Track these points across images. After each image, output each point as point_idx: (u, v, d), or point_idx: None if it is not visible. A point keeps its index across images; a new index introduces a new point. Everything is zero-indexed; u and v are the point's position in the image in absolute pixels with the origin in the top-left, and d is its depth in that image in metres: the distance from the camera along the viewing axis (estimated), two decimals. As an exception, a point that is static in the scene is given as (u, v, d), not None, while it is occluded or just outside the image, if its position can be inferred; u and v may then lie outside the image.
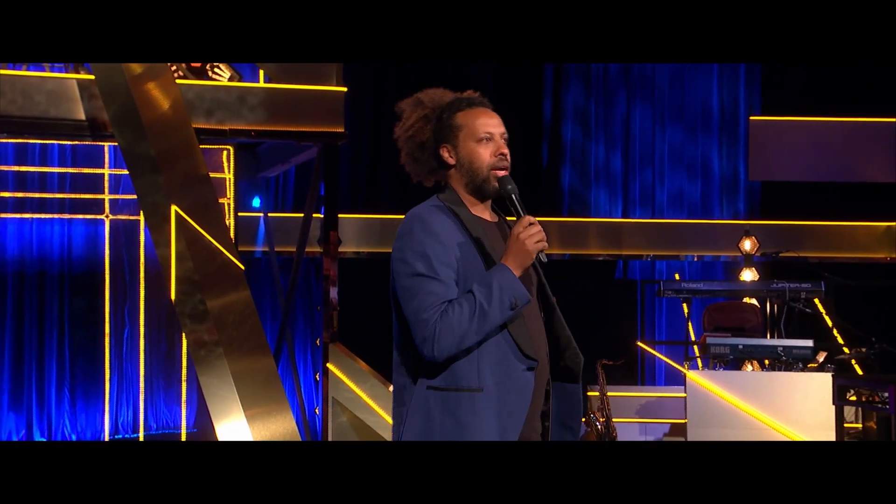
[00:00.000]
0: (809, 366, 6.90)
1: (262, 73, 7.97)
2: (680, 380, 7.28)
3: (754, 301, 8.37)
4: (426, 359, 2.56)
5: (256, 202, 9.14)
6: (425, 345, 2.54)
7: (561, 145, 11.16)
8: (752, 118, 10.81)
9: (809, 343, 6.79)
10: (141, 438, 8.53)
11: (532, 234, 2.56)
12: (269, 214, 9.20)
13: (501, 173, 2.66)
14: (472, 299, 2.52)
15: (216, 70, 7.81)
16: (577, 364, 2.73)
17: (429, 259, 2.56)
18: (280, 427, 6.21)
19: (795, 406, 6.54)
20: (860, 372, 7.72)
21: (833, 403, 6.15)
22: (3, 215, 8.52)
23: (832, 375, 6.40)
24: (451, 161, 2.70)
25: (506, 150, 2.68)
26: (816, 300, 7.86)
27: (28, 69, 7.47)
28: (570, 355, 2.73)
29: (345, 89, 7.64)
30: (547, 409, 2.71)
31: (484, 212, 2.72)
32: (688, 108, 11.24)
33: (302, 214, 8.29)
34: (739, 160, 11.22)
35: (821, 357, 7.31)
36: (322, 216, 7.81)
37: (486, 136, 2.67)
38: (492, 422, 2.56)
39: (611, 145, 11.24)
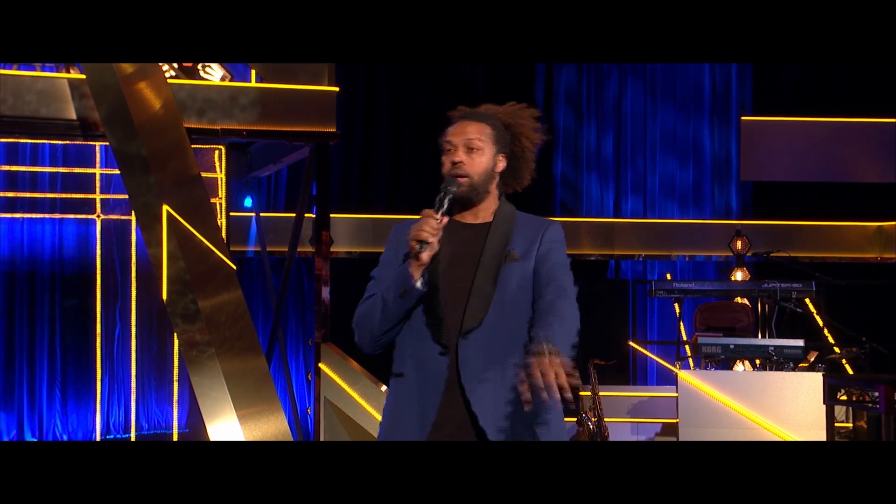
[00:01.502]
0: (800, 365, 6.92)
1: (253, 72, 7.96)
2: (671, 379, 7.29)
3: (745, 301, 8.39)
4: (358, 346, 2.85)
5: (248, 202, 9.13)
6: (354, 335, 2.83)
7: (553, 132, 11.16)
8: (743, 118, 10.84)
9: (800, 343, 6.81)
10: (133, 439, 8.51)
11: (416, 224, 2.69)
12: (261, 214, 9.19)
13: (457, 181, 2.78)
14: (379, 292, 2.78)
15: (208, 70, 7.80)
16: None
17: (379, 265, 2.87)
18: (272, 427, 6.21)
19: (786, 406, 6.56)
20: (851, 371, 7.74)
21: (824, 403, 6.17)
22: (-6, 215, 8.50)
23: (823, 375, 6.42)
24: None
25: (458, 158, 2.79)
26: (807, 300, 7.88)
27: (19, 68, 7.45)
28: None
29: (336, 89, 7.64)
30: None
31: (472, 216, 2.84)
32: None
33: (294, 214, 8.29)
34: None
35: (812, 357, 7.34)
36: (314, 216, 7.81)
37: (448, 147, 2.83)
38: (411, 404, 2.73)
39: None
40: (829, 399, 6.14)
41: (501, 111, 2.90)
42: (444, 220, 2.71)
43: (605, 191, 11.26)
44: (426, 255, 2.68)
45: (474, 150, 2.80)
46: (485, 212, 2.85)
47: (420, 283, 2.69)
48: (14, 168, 8.47)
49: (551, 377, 2.43)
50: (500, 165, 2.86)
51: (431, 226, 2.67)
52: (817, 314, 8.19)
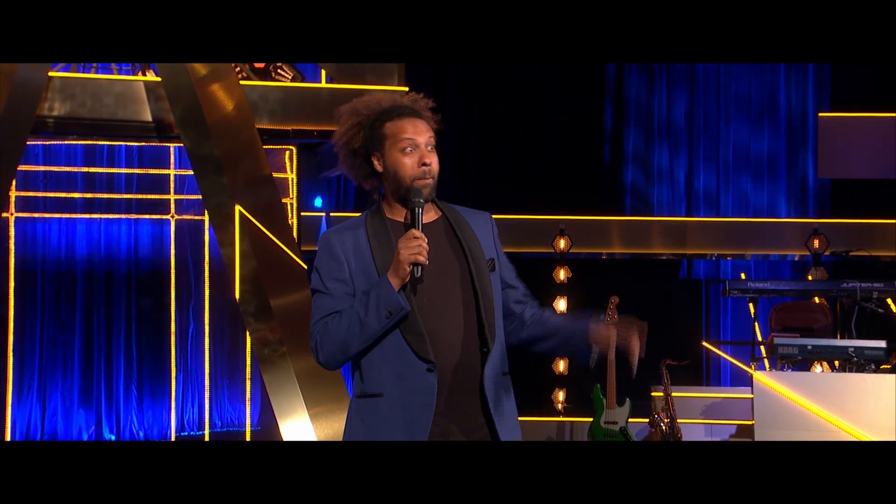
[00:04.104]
0: (882, 367, 6.71)
1: (323, 73, 8.02)
2: (746, 380, 7.15)
3: (824, 301, 8.19)
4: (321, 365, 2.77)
5: (318, 202, 9.20)
6: (314, 354, 2.75)
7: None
8: (821, 115, 10.59)
9: (882, 344, 6.61)
10: (206, 436, 8.63)
11: (410, 245, 2.63)
12: (331, 214, 9.25)
13: (422, 182, 2.73)
14: (352, 310, 2.66)
15: (279, 71, 7.87)
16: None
17: (321, 276, 2.75)
18: (343, 425, 6.23)
19: (868, 408, 6.37)
20: (936, 374, 7.48)
21: (908, 406, 5.98)
22: (73, 216, 8.69)
23: (906, 377, 6.23)
24: (380, 169, 2.79)
25: (429, 160, 2.75)
26: (889, 300, 7.65)
27: (97, 72, 7.61)
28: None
29: (406, 89, 7.64)
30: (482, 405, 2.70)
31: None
32: None
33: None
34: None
35: (895, 359, 7.12)
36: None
37: (410, 145, 2.75)
38: (396, 426, 2.65)
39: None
40: (914, 402, 5.95)
41: (406, 103, 2.84)
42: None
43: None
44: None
45: (433, 150, 2.78)
46: (433, 211, 2.82)
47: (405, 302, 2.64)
48: (92, 170, 8.66)
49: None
50: None
51: (424, 247, 2.63)
52: (900, 315, 7.95)
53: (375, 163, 2.79)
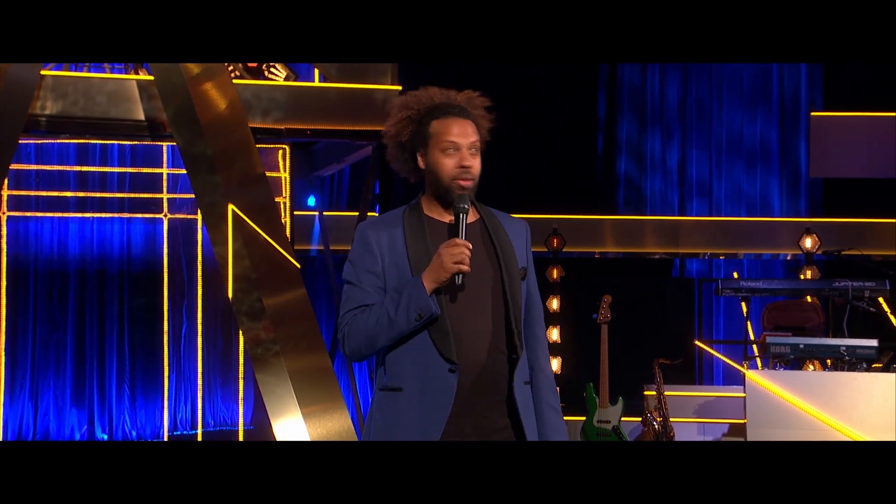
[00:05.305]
0: (874, 366, 6.74)
1: (317, 72, 8.02)
2: (739, 379, 7.17)
3: (815, 300, 8.21)
4: (346, 356, 2.82)
5: (311, 201, 9.19)
6: (340, 344, 2.78)
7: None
8: (813, 114, 10.62)
9: (874, 343, 6.63)
10: (199, 436, 8.62)
11: (453, 253, 2.65)
12: (324, 213, 9.25)
13: (464, 183, 2.74)
14: (382, 306, 2.70)
15: (272, 70, 7.86)
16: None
17: (354, 267, 2.78)
18: (336, 425, 6.24)
19: (859, 407, 6.39)
20: (926, 373, 7.50)
21: (898, 404, 6.00)
22: (66, 215, 8.68)
23: (898, 376, 6.25)
24: (422, 166, 2.80)
25: (469, 163, 2.75)
26: (881, 299, 7.67)
27: (90, 70, 7.60)
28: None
29: (399, 88, 7.65)
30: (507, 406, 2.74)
31: (449, 213, 2.78)
32: None
33: (356, 213, 8.33)
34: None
35: (886, 357, 7.14)
36: (377, 214, 7.83)
37: (451, 147, 2.74)
38: (412, 421, 2.68)
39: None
40: (904, 400, 5.97)
41: (460, 101, 2.83)
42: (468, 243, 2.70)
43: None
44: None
45: (476, 152, 2.78)
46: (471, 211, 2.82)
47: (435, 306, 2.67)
48: (84, 168, 8.64)
49: None
50: None
51: (467, 254, 2.66)
52: (891, 314, 7.98)
53: (419, 159, 2.80)
